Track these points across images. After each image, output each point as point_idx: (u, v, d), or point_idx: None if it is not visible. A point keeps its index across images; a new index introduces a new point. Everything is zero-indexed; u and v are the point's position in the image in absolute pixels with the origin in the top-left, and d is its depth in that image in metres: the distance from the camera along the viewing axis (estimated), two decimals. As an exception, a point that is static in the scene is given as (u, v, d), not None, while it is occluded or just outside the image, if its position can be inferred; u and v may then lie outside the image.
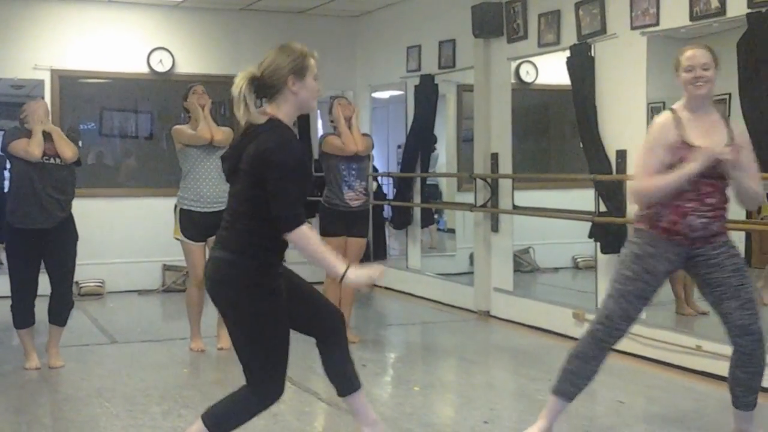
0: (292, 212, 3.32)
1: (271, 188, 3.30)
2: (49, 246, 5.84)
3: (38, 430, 4.67)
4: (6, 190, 6.19)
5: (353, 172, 6.75)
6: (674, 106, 4.16)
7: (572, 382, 4.17)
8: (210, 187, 6.42)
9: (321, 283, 7.16)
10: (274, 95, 3.43)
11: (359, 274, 3.39)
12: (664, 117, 4.13)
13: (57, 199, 5.82)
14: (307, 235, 3.35)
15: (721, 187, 4.05)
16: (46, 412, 5.13)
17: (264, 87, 3.42)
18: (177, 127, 6.62)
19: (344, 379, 3.84)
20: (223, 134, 6.43)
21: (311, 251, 3.37)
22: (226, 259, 3.44)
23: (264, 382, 3.47)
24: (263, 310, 3.43)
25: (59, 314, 6.03)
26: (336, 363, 3.83)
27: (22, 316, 5.96)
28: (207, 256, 6.46)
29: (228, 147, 3.73)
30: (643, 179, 4.03)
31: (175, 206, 6.53)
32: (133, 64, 9.67)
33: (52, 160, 5.84)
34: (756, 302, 4.11)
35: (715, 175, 4.00)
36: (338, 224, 6.74)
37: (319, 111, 12.40)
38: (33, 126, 5.82)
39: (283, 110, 3.45)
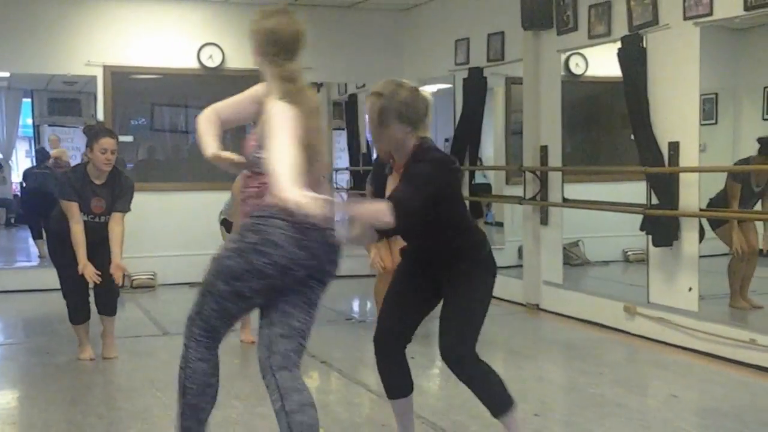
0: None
1: None
2: (95, 243, 5.86)
3: (92, 420, 4.74)
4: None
5: None
6: None
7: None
8: None
9: (373, 276, 7.19)
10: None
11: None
12: None
13: (96, 244, 5.86)
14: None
15: None
16: (100, 402, 5.20)
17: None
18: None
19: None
20: None
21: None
22: None
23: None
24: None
25: (106, 304, 6.10)
26: None
27: (77, 313, 6.06)
28: None
29: None
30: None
31: (220, 213, 6.60)
32: (184, 60, 9.76)
33: (98, 219, 5.87)
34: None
35: None
36: None
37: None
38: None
39: None
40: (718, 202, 6.75)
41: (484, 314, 3.89)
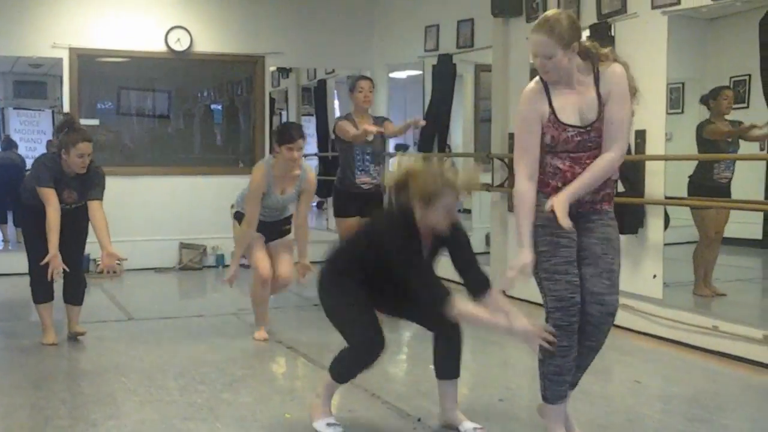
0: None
1: None
2: (63, 230, 5.81)
3: (56, 405, 4.69)
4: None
5: (367, 157, 6.73)
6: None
7: (559, 382, 3.96)
8: (269, 222, 6.31)
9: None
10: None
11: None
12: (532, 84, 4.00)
13: (66, 231, 5.84)
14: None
15: (595, 155, 3.88)
16: (64, 387, 5.16)
17: None
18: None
19: None
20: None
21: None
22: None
23: (354, 338, 4.30)
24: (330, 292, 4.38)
25: (74, 294, 6.11)
26: None
27: (41, 291, 6.00)
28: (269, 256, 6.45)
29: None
30: (521, 160, 3.85)
31: (232, 206, 6.47)
32: (151, 43, 9.67)
33: (69, 206, 5.86)
34: (616, 275, 3.85)
35: (585, 148, 3.87)
36: (351, 205, 6.71)
37: (336, 91, 12.44)
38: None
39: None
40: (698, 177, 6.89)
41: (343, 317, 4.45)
